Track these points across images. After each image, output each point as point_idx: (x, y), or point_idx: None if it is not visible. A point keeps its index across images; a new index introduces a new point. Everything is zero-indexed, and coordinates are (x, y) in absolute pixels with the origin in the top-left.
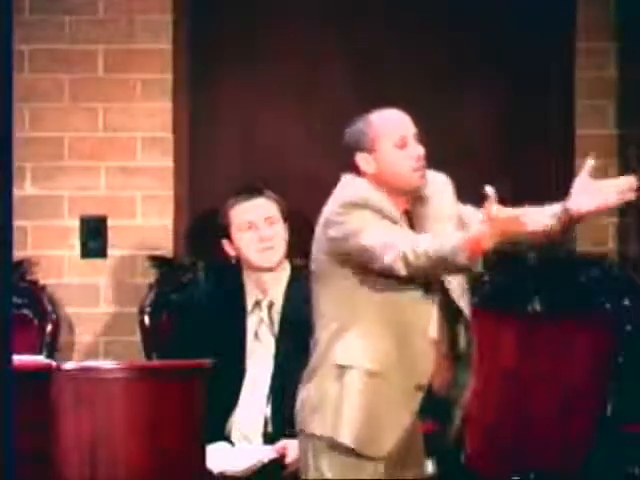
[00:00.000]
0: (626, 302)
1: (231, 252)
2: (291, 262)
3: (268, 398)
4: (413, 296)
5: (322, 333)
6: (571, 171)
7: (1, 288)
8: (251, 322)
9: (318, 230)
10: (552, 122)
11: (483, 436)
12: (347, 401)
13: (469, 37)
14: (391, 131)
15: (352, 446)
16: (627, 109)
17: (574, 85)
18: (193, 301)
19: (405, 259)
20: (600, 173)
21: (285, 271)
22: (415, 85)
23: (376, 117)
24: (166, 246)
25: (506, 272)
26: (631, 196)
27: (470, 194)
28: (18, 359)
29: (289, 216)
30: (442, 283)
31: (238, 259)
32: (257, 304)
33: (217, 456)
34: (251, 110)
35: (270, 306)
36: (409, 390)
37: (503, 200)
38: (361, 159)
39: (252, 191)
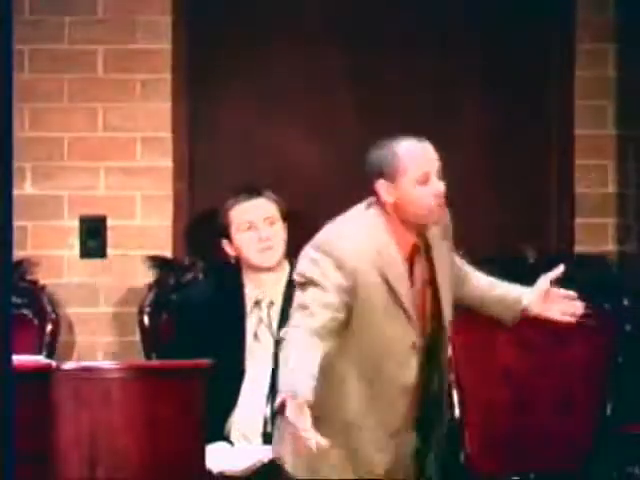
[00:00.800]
0: (625, 302)
1: (231, 252)
2: (290, 262)
3: (268, 398)
4: (392, 343)
5: None
6: (571, 171)
7: (1, 288)
8: (250, 322)
9: None
10: (551, 122)
11: (483, 436)
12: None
13: (469, 36)
14: (415, 166)
15: None
16: (626, 109)
17: (573, 85)
18: (192, 301)
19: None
20: (600, 173)
21: (284, 271)
22: (415, 84)
23: (402, 148)
24: (166, 246)
25: (506, 271)
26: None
27: (469, 193)
28: (18, 359)
29: (289, 216)
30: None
31: (238, 259)
32: (256, 304)
33: (217, 456)
34: (251, 110)
35: (269, 306)
36: (384, 437)
37: (502, 200)
38: (381, 187)
39: (252, 191)
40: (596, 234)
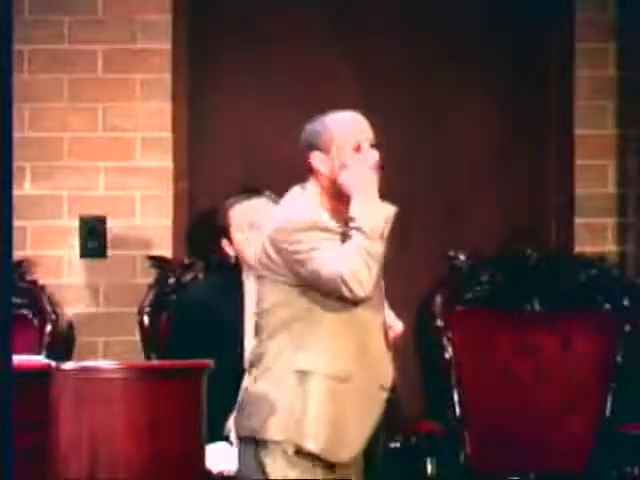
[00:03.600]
0: (625, 302)
1: (231, 252)
2: None
3: None
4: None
5: (280, 334)
6: (571, 171)
7: (1, 288)
8: (250, 321)
9: (265, 238)
10: (552, 122)
11: (483, 436)
12: (312, 407)
13: (469, 36)
14: (349, 135)
15: (317, 452)
16: (626, 109)
17: (573, 85)
18: (192, 301)
19: (354, 285)
20: (600, 173)
21: None
22: (415, 84)
23: (334, 120)
24: (166, 246)
25: (506, 271)
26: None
27: (470, 193)
28: (18, 359)
29: None
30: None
31: (237, 259)
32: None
33: (217, 456)
34: (251, 110)
35: None
36: (373, 393)
37: (502, 200)
38: (316, 158)
39: (252, 191)
40: (596, 234)
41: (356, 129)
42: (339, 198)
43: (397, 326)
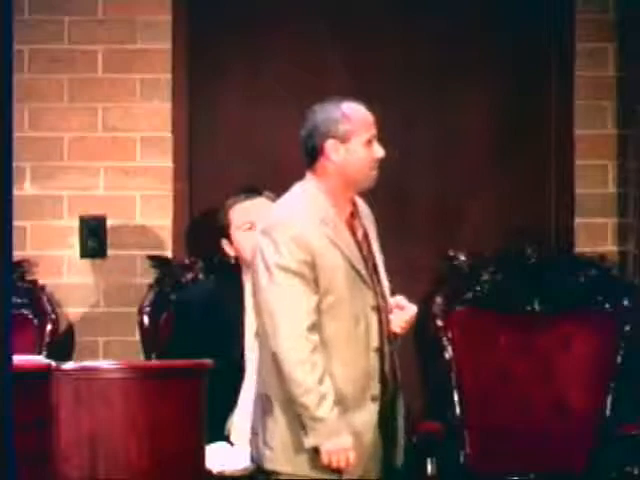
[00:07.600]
0: (625, 302)
1: (230, 252)
2: None
3: None
4: (356, 307)
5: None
6: (571, 171)
7: (1, 288)
8: (250, 321)
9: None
10: (551, 122)
11: (483, 436)
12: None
13: (469, 37)
14: (365, 128)
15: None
16: (626, 109)
17: (573, 85)
18: (192, 301)
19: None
20: (600, 173)
21: None
22: (416, 86)
23: (352, 110)
24: (166, 246)
25: (506, 272)
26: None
27: (470, 193)
28: (18, 359)
29: None
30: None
31: (237, 259)
32: None
33: (217, 456)
34: (251, 110)
35: None
36: (365, 405)
37: (501, 200)
38: (331, 146)
39: (252, 191)
40: (596, 234)
41: (369, 123)
42: (341, 190)
43: (412, 308)
